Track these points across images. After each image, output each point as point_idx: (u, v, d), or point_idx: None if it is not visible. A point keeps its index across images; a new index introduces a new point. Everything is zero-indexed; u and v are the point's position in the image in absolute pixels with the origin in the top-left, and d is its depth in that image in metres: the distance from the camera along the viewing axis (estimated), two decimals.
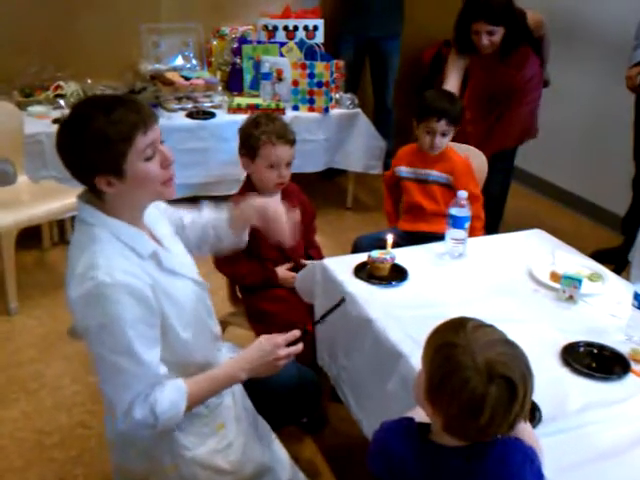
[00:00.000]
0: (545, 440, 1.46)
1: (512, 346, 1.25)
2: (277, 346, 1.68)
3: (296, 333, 1.71)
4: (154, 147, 1.54)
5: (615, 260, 3.42)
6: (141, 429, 1.54)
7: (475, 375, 1.17)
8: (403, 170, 2.85)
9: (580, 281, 2.01)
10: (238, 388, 1.85)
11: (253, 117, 2.45)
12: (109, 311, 1.46)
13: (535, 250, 2.34)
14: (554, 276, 2.11)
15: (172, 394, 1.55)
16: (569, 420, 1.55)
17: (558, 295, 2.04)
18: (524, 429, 1.36)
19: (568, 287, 2.01)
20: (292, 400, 2.01)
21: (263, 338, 1.71)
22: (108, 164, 1.50)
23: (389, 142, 4.41)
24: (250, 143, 2.34)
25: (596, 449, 1.48)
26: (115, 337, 1.48)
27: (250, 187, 2.40)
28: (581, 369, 1.70)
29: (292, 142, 2.35)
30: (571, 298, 2.01)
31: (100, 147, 1.48)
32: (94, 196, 1.56)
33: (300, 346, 1.71)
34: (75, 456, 2.33)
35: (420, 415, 1.31)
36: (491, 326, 1.29)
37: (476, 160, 2.89)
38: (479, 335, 1.23)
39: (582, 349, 1.78)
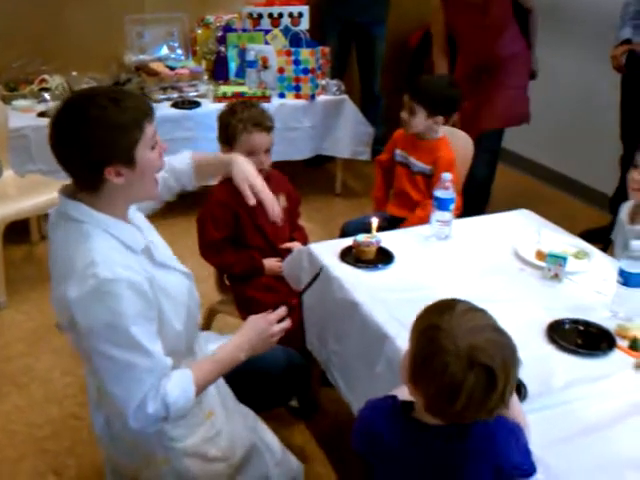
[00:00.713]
0: (531, 416, 1.47)
1: (499, 333, 1.23)
2: (270, 323, 1.72)
3: (283, 310, 1.75)
4: (155, 136, 1.55)
5: (603, 239, 3.43)
6: (153, 423, 1.53)
7: (455, 360, 1.16)
8: (398, 153, 2.86)
9: (565, 259, 2.01)
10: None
11: (230, 105, 2.45)
12: (114, 308, 1.44)
13: (521, 230, 2.34)
14: (539, 255, 2.12)
15: (180, 383, 1.55)
16: (554, 396, 1.56)
17: (543, 274, 2.04)
18: (512, 405, 1.37)
19: (553, 265, 2.01)
20: (280, 382, 2.03)
21: (254, 317, 1.74)
22: (121, 153, 1.49)
23: (378, 128, 4.41)
24: (228, 131, 2.34)
25: (581, 424, 1.48)
26: (122, 333, 1.46)
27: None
28: (567, 346, 1.71)
29: (269, 129, 2.35)
30: (556, 276, 2.02)
31: (114, 135, 1.47)
32: (84, 191, 1.52)
33: (289, 322, 1.75)
34: (67, 447, 2.33)
35: (404, 394, 1.31)
36: (481, 310, 1.27)
37: (460, 142, 2.88)
38: (465, 319, 1.22)
39: (568, 326, 1.79)
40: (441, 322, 1.21)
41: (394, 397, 1.35)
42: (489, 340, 1.20)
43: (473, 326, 1.21)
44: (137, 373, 1.48)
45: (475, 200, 3.85)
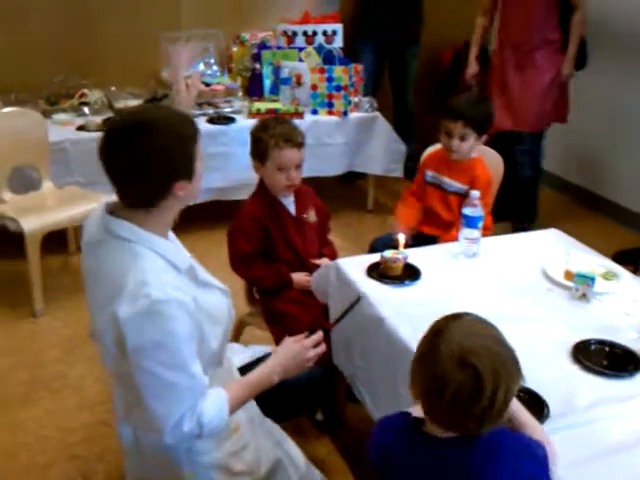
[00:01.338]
0: (554, 436, 1.48)
1: (498, 343, 1.26)
2: (306, 348, 1.74)
3: (320, 335, 1.77)
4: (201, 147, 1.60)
5: (636, 261, 3.40)
6: (187, 440, 1.57)
7: (447, 359, 1.22)
8: (429, 174, 2.81)
9: (593, 279, 2.01)
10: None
11: (262, 121, 2.50)
12: (165, 328, 1.46)
13: (550, 249, 2.34)
14: (568, 275, 2.11)
15: (216, 403, 1.58)
16: (578, 416, 1.56)
17: (571, 294, 2.04)
18: (534, 429, 1.39)
19: (581, 285, 2.01)
20: (302, 392, 2.05)
21: (290, 340, 1.76)
22: (185, 166, 1.54)
23: (410, 145, 4.43)
24: (259, 147, 2.39)
25: (605, 445, 1.48)
26: (170, 353, 1.48)
27: (263, 189, 2.44)
28: (591, 366, 1.71)
29: (300, 145, 2.38)
30: (584, 296, 2.01)
31: (180, 148, 1.52)
32: (138, 208, 1.53)
33: (324, 347, 1.77)
34: (97, 453, 2.38)
35: (419, 411, 1.33)
36: (488, 323, 1.30)
37: (491, 160, 2.87)
38: (467, 326, 1.27)
39: (594, 347, 1.79)
40: (445, 327, 1.27)
41: (406, 413, 1.37)
42: (484, 346, 1.23)
43: (472, 332, 1.26)
44: (178, 392, 1.51)
45: (523, 206, 3.99)
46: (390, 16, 4.40)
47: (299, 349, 1.73)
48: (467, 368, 1.20)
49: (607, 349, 1.78)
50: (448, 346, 1.23)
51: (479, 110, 2.68)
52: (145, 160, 1.48)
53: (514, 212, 4.06)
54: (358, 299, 1.89)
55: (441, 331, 1.27)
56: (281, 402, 1.93)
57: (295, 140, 2.36)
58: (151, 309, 1.44)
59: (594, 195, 4.57)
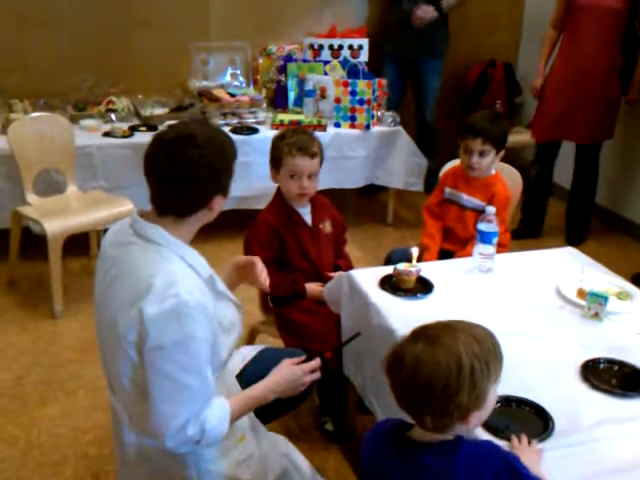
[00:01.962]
0: (557, 452, 1.49)
1: (477, 340, 1.28)
2: (304, 372, 1.79)
3: (317, 362, 1.81)
4: None
5: None
6: (186, 445, 1.58)
7: (408, 336, 1.30)
8: (447, 191, 2.81)
9: (606, 298, 2.00)
10: (239, 388, 1.88)
11: (283, 130, 2.55)
12: (188, 330, 1.49)
13: (564, 267, 2.33)
14: (581, 293, 2.11)
15: (219, 413, 1.60)
16: (583, 434, 1.55)
17: (583, 312, 2.03)
18: (524, 450, 1.41)
19: (593, 304, 2.00)
20: None
21: (289, 364, 1.80)
22: (226, 182, 1.65)
23: (432, 160, 4.44)
24: (275, 154, 2.44)
25: (609, 464, 1.47)
26: (189, 355, 1.51)
27: (280, 198, 2.47)
28: (599, 385, 1.70)
29: (313, 154, 2.40)
30: (596, 315, 2.00)
31: (225, 165, 1.62)
32: (172, 216, 1.60)
33: (319, 374, 1.82)
34: (109, 453, 2.39)
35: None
36: (478, 325, 1.33)
37: (508, 176, 2.87)
38: (451, 323, 1.31)
39: (602, 366, 1.78)
40: (432, 324, 1.32)
41: (397, 419, 1.38)
42: (449, 326, 1.29)
43: (448, 323, 1.31)
44: (189, 395, 1.53)
45: (578, 218, 4.24)
46: (413, 33, 4.43)
47: (298, 372, 1.78)
48: (420, 338, 1.27)
49: (616, 368, 1.77)
50: (420, 333, 1.30)
51: (497, 126, 2.69)
52: (193, 171, 1.56)
53: (571, 228, 4.26)
54: (357, 334, 1.91)
55: (425, 327, 1.33)
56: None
57: (308, 149, 2.39)
58: (178, 309, 1.49)
59: (617, 215, 4.54)
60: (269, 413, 1.97)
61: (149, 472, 1.74)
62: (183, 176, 1.56)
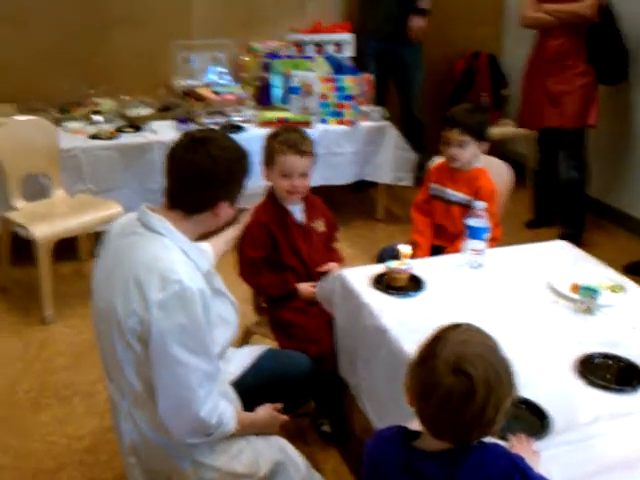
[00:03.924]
0: (554, 451, 1.48)
1: (495, 355, 1.27)
2: (281, 423, 1.93)
3: (286, 419, 1.94)
4: None
5: None
6: (199, 435, 1.68)
7: (442, 364, 1.23)
8: (432, 187, 2.81)
9: (597, 292, 2.00)
10: (234, 395, 1.92)
11: (276, 129, 2.54)
12: (192, 313, 1.58)
13: (557, 261, 2.34)
14: (574, 287, 2.10)
15: (230, 409, 1.74)
16: (580, 431, 1.55)
17: (576, 306, 2.03)
18: (522, 450, 1.40)
19: (586, 298, 2.01)
20: (289, 387, 2.08)
21: (273, 413, 1.91)
22: (235, 193, 1.76)
23: (422, 155, 4.42)
24: (267, 152, 2.43)
25: (607, 461, 1.47)
26: (197, 339, 1.61)
27: (271, 197, 2.46)
28: (595, 381, 1.70)
29: (305, 153, 2.39)
30: (588, 309, 2.01)
31: (240, 176, 1.75)
32: (179, 210, 1.70)
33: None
34: (105, 460, 2.39)
35: (416, 426, 1.34)
36: (487, 334, 1.31)
37: (497, 170, 2.87)
38: (465, 334, 1.28)
39: (598, 361, 1.78)
40: (443, 335, 1.29)
41: (401, 426, 1.37)
42: (479, 355, 1.24)
43: (469, 341, 1.27)
44: (201, 377, 1.62)
45: (572, 207, 4.16)
46: (386, 13, 4.44)
47: (277, 424, 1.91)
48: (460, 375, 1.21)
49: (611, 363, 1.77)
50: (444, 352, 1.24)
51: (475, 117, 2.70)
52: (210, 169, 1.67)
53: (561, 218, 4.23)
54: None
55: (439, 338, 1.29)
56: (270, 399, 1.95)
57: (300, 148, 2.38)
58: (182, 294, 1.57)
59: (608, 207, 4.55)
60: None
61: (144, 463, 1.79)
62: (199, 171, 1.66)
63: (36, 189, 3.50)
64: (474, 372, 1.21)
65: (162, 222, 1.67)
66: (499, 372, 1.24)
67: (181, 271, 1.59)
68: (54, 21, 4.15)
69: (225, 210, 1.75)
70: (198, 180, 1.68)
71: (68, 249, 3.59)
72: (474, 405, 1.21)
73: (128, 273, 1.63)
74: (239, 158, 1.75)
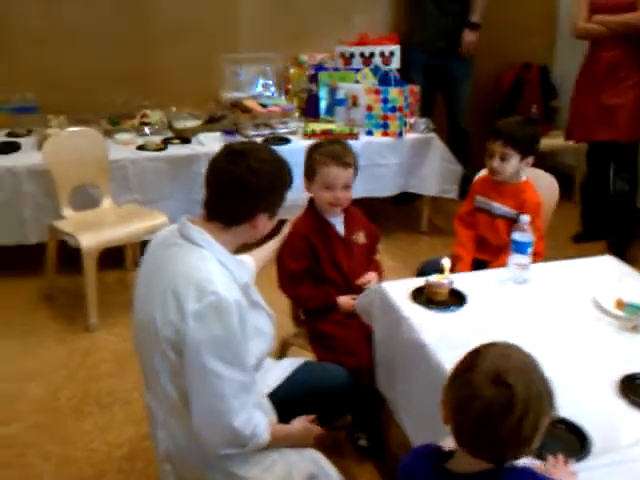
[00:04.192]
0: (594, 473, 1.44)
1: (535, 372, 1.24)
2: (315, 436, 1.93)
3: (321, 430, 1.95)
4: None
5: None
6: (233, 446, 1.67)
7: (481, 376, 1.20)
8: (478, 199, 2.76)
9: None
10: (270, 406, 1.91)
11: (318, 141, 2.54)
12: (227, 325, 1.58)
13: (602, 277, 2.26)
14: (619, 304, 2.04)
15: (264, 421, 1.74)
16: (620, 453, 1.49)
17: (621, 324, 1.97)
18: (559, 472, 1.36)
19: (632, 316, 1.94)
20: (326, 400, 2.06)
21: (308, 425, 1.91)
22: (275, 206, 1.77)
23: (468, 167, 4.37)
24: (309, 164, 2.42)
25: None
26: (231, 350, 1.61)
27: (312, 209, 2.46)
28: (638, 401, 1.64)
29: (347, 165, 2.38)
30: (635, 327, 1.94)
31: (280, 189, 1.76)
32: (218, 222, 1.71)
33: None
34: (141, 468, 2.41)
35: (450, 444, 1.31)
36: (527, 353, 1.27)
37: (543, 183, 2.81)
38: (506, 351, 1.25)
39: None
40: (483, 350, 1.27)
41: (436, 446, 1.34)
42: (520, 369, 1.22)
43: (510, 356, 1.24)
44: (235, 388, 1.62)
45: (621, 220, 4.08)
46: (436, 27, 4.43)
47: (312, 437, 1.92)
48: (500, 386, 1.19)
49: None
50: (484, 365, 1.22)
51: (521, 130, 2.62)
52: (248, 181, 1.67)
53: (612, 230, 4.12)
54: None
55: (478, 352, 1.27)
56: (306, 411, 1.95)
57: (343, 159, 2.37)
58: (218, 305, 1.57)
59: None
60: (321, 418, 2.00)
61: (177, 471, 1.80)
62: (237, 183, 1.67)
63: (85, 199, 3.58)
64: (515, 384, 1.19)
65: (201, 234, 1.69)
66: (539, 388, 1.22)
67: (218, 282, 1.60)
68: (104, 37, 4.25)
69: (264, 222, 1.76)
70: (237, 192, 1.69)
71: (115, 258, 3.65)
72: (512, 419, 1.18)
73: (167, 284, 1.64)
74: (279, 170, 1.76)
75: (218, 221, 1.72)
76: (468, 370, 1.24)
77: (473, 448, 1.24)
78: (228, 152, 1.74)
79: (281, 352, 2.58)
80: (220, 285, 1.60)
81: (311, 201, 2.49)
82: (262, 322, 1.84)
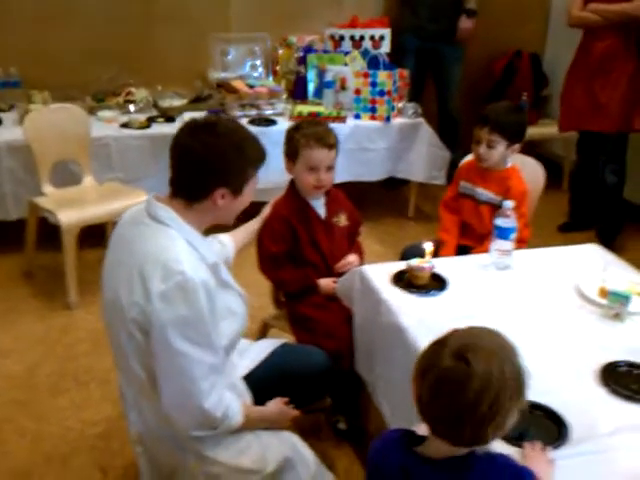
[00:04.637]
0: (570, 461, 1.42)
1: (507, 357, 1.21)
2: (291, 418, 1.92)
3: (297, 413, 1.94)
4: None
5: None
6: (204, 428, 1.65)
7: (445, 348, 1.20)
8: (462, 185, 2.74)
9: (627, 298, 1.91)
10: (244, 388, 1.89)
11: (298, 122, 2.49)
12: (195, 305, 1.54)
13: (586, 265, 2.25)
14: (602, 292, 2.02)
15: (236, 403, 1.71)
16: (600, 442, 1.47)
17: (604, 312, 1.95)
18: (536, 459, 1.34)
19: (614, 304, 1.92)
20: (304, 383, 2.05)
21: (284, 407, 1.89)
22: (236, 182, 1.66)
23: (456, 153, 4.34)
24: (291, 145, 2.37)
25: (625, 474, 1.40)
26: (199, 330, 1.57)
27: (293, 191, 2.42)
28: (619, 390, 1.62)
29: (331, 146, 2.35)
30: (617, 316, 1.92)
31: (236, 161, 1.64)
32: (182, 199, 1.65)
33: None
34: (116, 448, 2.38)
35: (423, 430, 1.28)
36: (506, 339, 1.25)
37: (529, 170, 2.78)
38: (481, 332, 1.24)
39: (623, 369, 1.70)
40: (462, 329, 1.26)
41: (408, 430, 1.32)
42: (487, 350, 1.20)
43: (481, 335, 1.23)
44: (204, 369, 1.58)
45: (608, 210, 4.06)
46: (430, 11, 4.40)
47: (287, 419, 1.90)
48: (459, 360, 1.18)
49: (637, 372, 1.69)
50: (452, 340, 1.22)
51: (508, 117, 2.59)
52: (202, 155, 1.61)
53: (600, 219, 4.12)
54: None
55: (456, 330, 1.26)
56: (284, 393, 1.93)
57: (326, 141, 2.33)
58: (184, 285, 1.53)
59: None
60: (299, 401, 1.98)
61: (149, 453, 1.78)
62: (194, 158, 1.61)
63: (66, 176, 3.53)
64: (474, 361, 1.17)
65: (168, 212, 1.63)
66: (504, 372, 1.18)
67: (185, 262, 1.56)
68: (93, 13, 4.18)
69: (226, 198, 1.66)
70: (191, 166, 1.63)
71: (96, 236, 3.59)
72: (465, 395, 1.16)
73: (133, 264, 1.59)
74: (237, 145, 1.64)
75: (180, 198, 1.66)
76: (438, 344, 1.24)
77: (430, 422, 1.23)
78: (190, 126, 1.67)
79: (261, 334, 2.56)
80: (187, 265, 1.55)
81: (292, 183, 2.46)
82: (233, 302, 1.78)
